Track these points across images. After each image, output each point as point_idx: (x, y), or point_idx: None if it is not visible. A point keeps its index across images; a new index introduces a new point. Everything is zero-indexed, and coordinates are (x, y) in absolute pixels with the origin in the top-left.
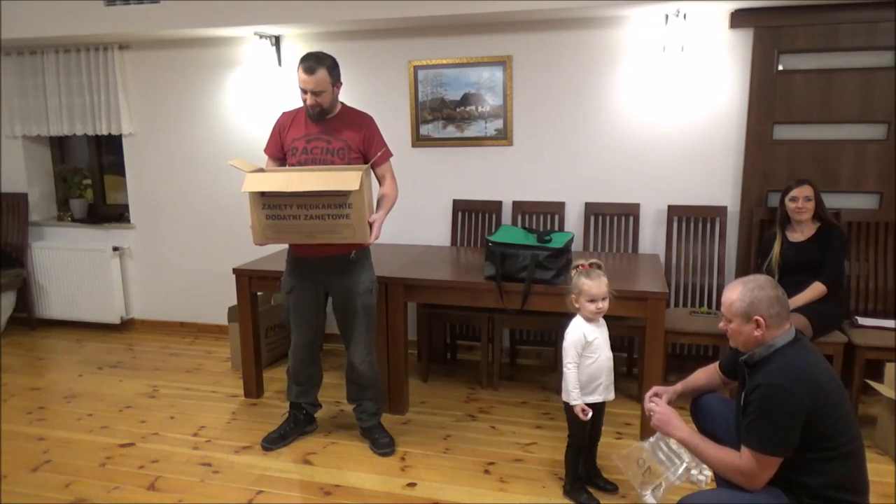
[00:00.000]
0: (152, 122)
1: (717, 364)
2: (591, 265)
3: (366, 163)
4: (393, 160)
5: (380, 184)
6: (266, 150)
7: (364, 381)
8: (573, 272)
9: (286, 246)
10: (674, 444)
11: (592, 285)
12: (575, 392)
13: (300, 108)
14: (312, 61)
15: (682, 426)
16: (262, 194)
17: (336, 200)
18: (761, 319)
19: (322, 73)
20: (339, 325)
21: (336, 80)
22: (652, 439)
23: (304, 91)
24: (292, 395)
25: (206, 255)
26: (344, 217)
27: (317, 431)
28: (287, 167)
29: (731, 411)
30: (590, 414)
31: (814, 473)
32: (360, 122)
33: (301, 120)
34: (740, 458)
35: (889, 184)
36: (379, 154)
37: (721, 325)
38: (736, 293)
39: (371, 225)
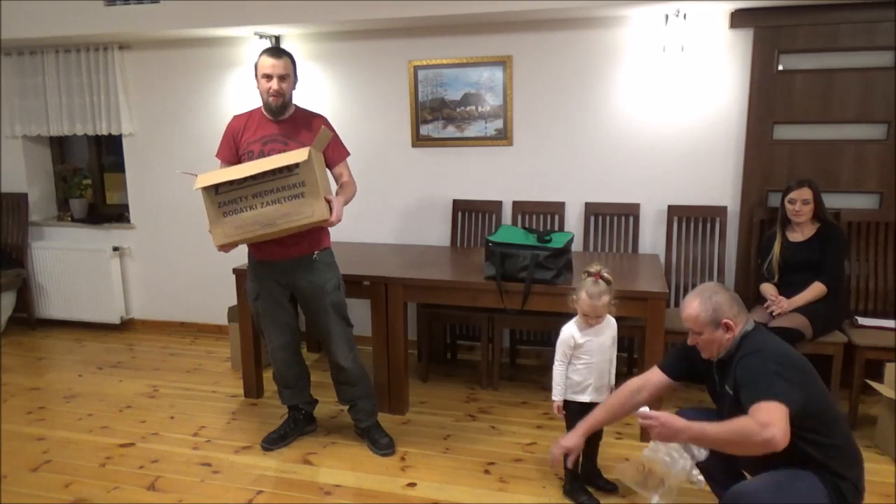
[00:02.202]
0: (152, 122)
1: (652, 373)
2: (601, 277)
3: (327, 164)
4: (393, 160)
5: (337, 182)
6: (218, 155)
7: (353, 378)
8: (583, 275)
9: None
10: (673, 445)
11: (587, 303)
12: (556, 389)
13: (253, 110)
14: (276, 49)
15: (684, 426)
16: (216, 191)
17: (288, 181)
18: (730, 321)
19: (287, 60)
20: (313, 328)
21: (295, 74)
22: (651, 445)
23: (269, 77)
24: (286, 399)
25: (206, 255)
26: (300, 196)
27: (317, 431)
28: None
29: (711, 416)
30: (578, 412)
31: (815, 445)
32: (315, 123)
33: (255, 122)
34: (749, 418)
35: (889, 184)
36: (336, 152)
37: (690, 340)
38: (696, 306)
39: (330, 203)
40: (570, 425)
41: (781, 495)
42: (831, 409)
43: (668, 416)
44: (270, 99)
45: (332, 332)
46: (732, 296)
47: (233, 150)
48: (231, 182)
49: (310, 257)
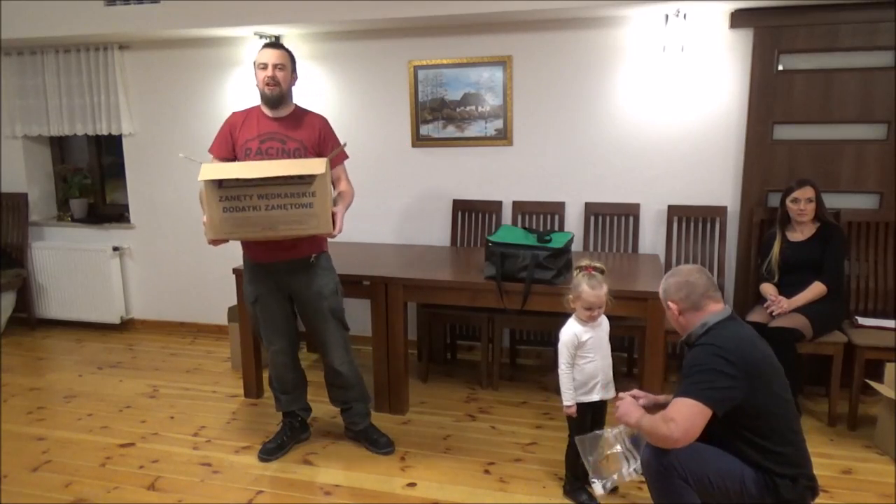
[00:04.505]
0: (152, 122)
1: None
2: (594, 269)
3: None
4: (393, 160)
5: (334, 186)
6: (212, 150)
7: (348, 382)
8: (576, 272)
9: None
10: (629, 440)
11: (591, 294)
12: (568, 393)
13: (252, 107)
14: (273, 42)
15: (637, 413)
16: (220, 185)
17: (299, 189)
18: (672, 304)
19: (283, 52)
20: (309, 331)
21: (294, 69)
22: (616, 430)
23: (265, 66)
24: (283, 405)
25: (206, 255)
26: (307, 206)
27: (316, 431)
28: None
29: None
30: (591, 412)
31: (754, 448)
32: (314, 122)
33: (254, 119)
34: (667, 410)
35: (889, 184)
36: (335, 153)
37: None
38: (662, 283)
39: (334, 216)
40: (579, 429)
41: (699, 459)
42: (782, 417)
43: (631, 402)
44: (266, 88)
45: (329, 337)
46: (687, 282)
47: (228, 147)
48: (238, 178)
49: (307, 260)
